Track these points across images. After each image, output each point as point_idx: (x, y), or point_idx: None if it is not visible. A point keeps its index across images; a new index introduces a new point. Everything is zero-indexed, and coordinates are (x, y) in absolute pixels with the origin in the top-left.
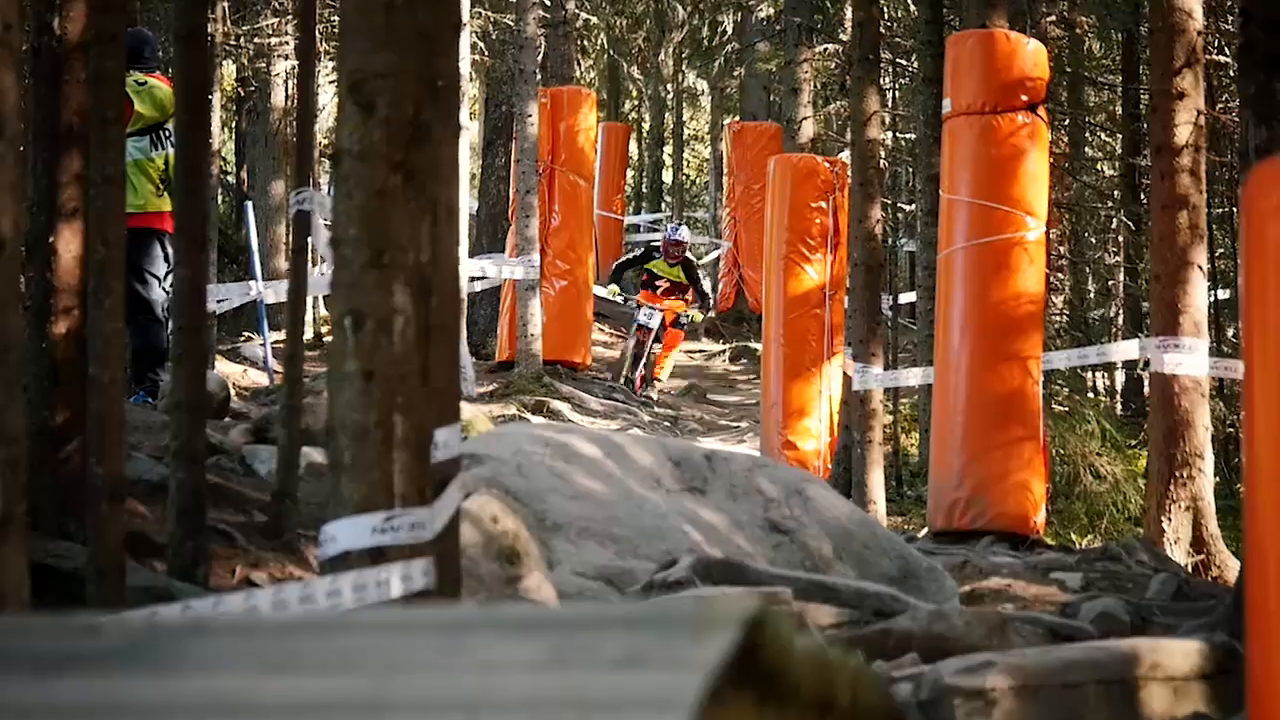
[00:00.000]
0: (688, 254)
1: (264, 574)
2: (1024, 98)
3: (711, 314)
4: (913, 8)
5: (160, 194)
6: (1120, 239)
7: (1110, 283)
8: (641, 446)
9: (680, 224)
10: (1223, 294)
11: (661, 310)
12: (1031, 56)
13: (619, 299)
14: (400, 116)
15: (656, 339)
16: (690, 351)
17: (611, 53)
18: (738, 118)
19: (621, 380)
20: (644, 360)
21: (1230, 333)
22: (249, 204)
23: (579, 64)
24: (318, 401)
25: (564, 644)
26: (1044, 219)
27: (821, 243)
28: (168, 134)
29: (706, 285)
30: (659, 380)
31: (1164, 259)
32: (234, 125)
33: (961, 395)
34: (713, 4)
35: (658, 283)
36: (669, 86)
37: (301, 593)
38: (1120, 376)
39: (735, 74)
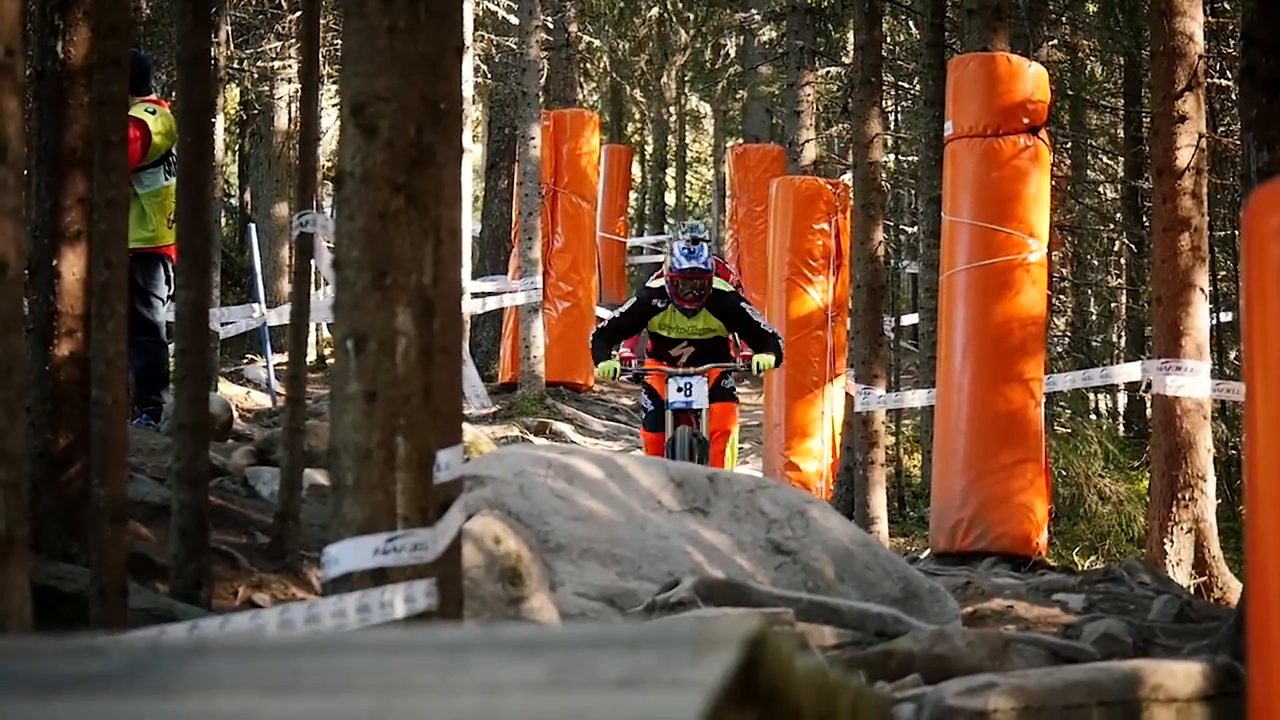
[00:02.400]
0: (717, 283)
1: (266, 595)
2: (1025, 120)
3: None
4: (914, 31)
5: (171, 225)
6: (1122, 261)
7: (1112, 305)
8: (643, 467)
9: (690, 232)
10: (1225, 316)
11: (698, 377)
12: (1033, 79)
13: (625, 374)
14: (402, 139)
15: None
16: None
17: (614, 75)
18: (740, 140)
19: None
20: (700, 463)
21: (1232, 355)
22: (252, 226)
23: (582, 87)
24: (320, 423)
25: (564, 664)
26: (1046, 241)
27: (824, 265)
28: (174, 161)
29: (766, 323)
30: None
31: (1166, 281)
32: (238, 148)
33: (964, 417)
34: (715, 27)
35: (674, 350)
36: (671, 109)
37: (307, 613)
38: (1123, 398)
39: (738, 96)
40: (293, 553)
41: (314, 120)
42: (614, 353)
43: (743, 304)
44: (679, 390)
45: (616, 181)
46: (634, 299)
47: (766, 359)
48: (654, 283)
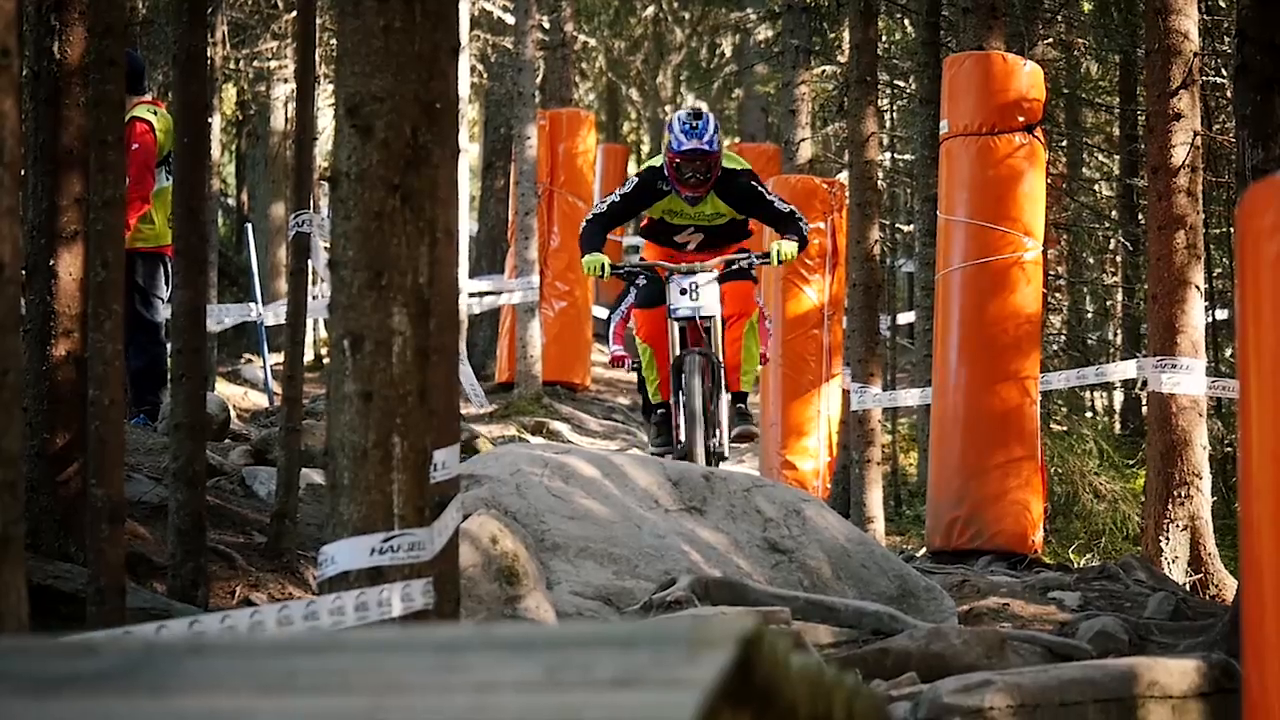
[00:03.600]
0: (727, 161)
1: (263, 595)
2: (1021, 119)
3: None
4: (910, 29)
5: (171, 225)
6: (1118, 259)
7: (1108, 303)
8: (640, 466)
9: (693, 110)
10: (1220, 314)
11: (706, 273)
12: (1028, 78)
13: (616, 271)
14: (398, 139)
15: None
16: None
17: (610, 75)
18: (736, 139)
19: (676, 447)
20: (715, 393)
21: (1228, 352)
22: (249, 226)
23: (578, 86)
24: (317, 423)
25: (559, 663)
26: (1041, 239)
27: (820, 263)
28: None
29: (782, 201)
30: (748, 406)
31: (1161, 279)
32: (234, 148)
33: (960, 415)
34: (711, 26)
35: (678, 237)
36: (668, 108)
37: (305, 611)
38: (1118, 396)
39: (734, 96)
40: (290, 552)
41: (310, 120)
42: (604, 247)
43: (755, 183)
44: (682, 292)
45: (613, 181)
46: (636, 178)
47: (788, 246)
48: (657, 160)
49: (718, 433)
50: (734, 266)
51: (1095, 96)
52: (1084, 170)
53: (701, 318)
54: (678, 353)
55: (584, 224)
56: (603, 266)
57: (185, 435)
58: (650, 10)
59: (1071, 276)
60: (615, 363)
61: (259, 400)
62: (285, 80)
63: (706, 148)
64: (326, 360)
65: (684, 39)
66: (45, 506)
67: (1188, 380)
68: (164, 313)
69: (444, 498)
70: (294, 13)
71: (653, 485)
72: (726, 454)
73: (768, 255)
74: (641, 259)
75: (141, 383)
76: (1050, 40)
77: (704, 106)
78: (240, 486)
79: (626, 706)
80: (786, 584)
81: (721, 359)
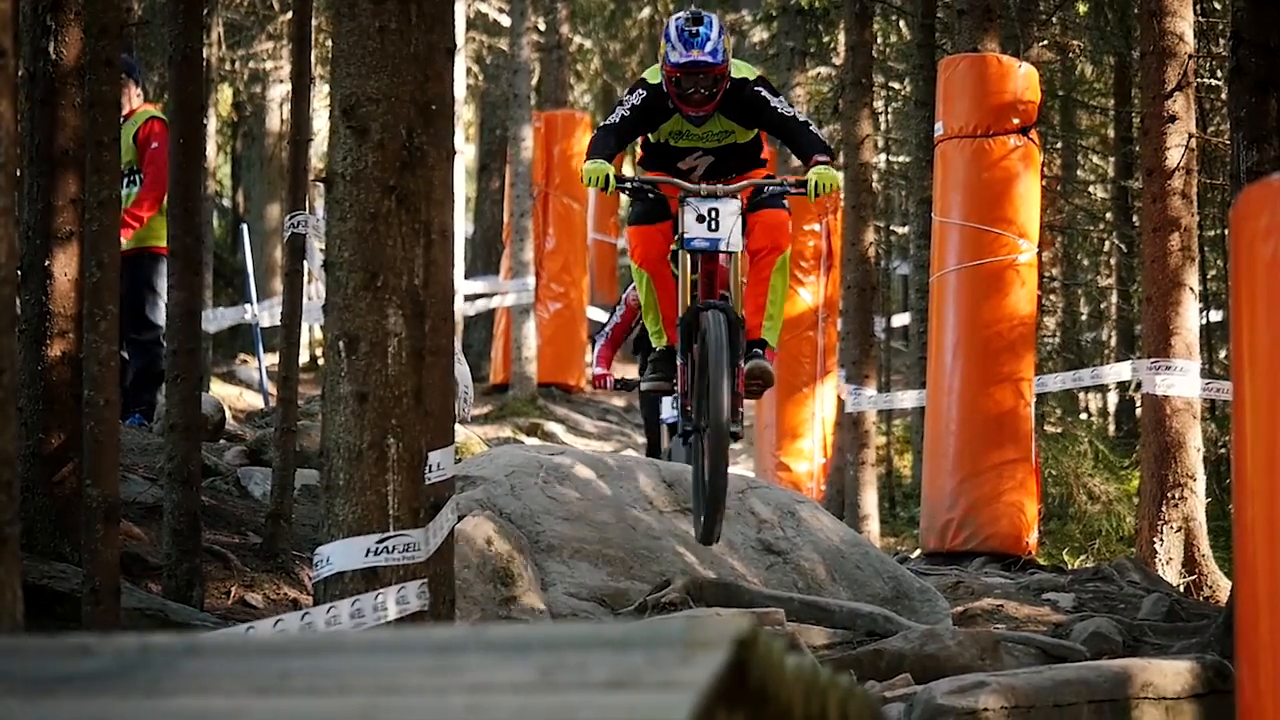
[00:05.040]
0: (736, 70)
1: (259, 595)
2: (1016, 121)
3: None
4: (905, 32)
5: None
6: (1112, 261)
7: (1102, 305)
8: (635, 468)
9: (692, 13)
10: (1215, 316)
11: (730, 199)
12: (1023, 80)
13: (622, 186)
14: (394, 140)
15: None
16: None
17: (605, 77)
18: None
19: (673, 415)
20: (734, 360)
21: (1222, 354)
22: (244, 227)
23: (573, 88)
24: (312, 424)
25: (554, 664)
26: (1036, 241)
27: (815, 265)
28: None
29: (801, 112)
30: (768, 363)
31: (1156, 281)
32: (230, 149)
33: (954, 417)
34: None
35: (683, 164)
36: None
37: (302, 621)
38: (1113, 398)
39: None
40: (285, 553)
41: (305, 121)
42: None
43: (763, 89)
44: (699, 219)
45: None
46: (641, 90)
47: (828, 174)
48: (655, 74)
49: (737, 412)
50: (764, 194)
51: (1090, 99)
52: (1079, 172)
53: (721, 253)
54: (689, 301)
55: (596, 130)
56: (607, 178)
57: (180, 436)
58: (646, 12)
59: (1066, 278)
60: (597, 384)
61: (254, 401)
62: (281, 81)
63: (710, 59)
64: (322, 361)
65: None
66: (40, 506)
67: (1182, 382)
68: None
69: (439, 499)
70: (290, 14)
71: (647, 487)
72: (741, 433)
73: (804, 184)
74: (650, 185)
75: (141, 382)
76: (1045, 42)
77: (710, 20)
78: (235, 487)
79: (621, 708)
80: (781, 585)
81: (740, 310)
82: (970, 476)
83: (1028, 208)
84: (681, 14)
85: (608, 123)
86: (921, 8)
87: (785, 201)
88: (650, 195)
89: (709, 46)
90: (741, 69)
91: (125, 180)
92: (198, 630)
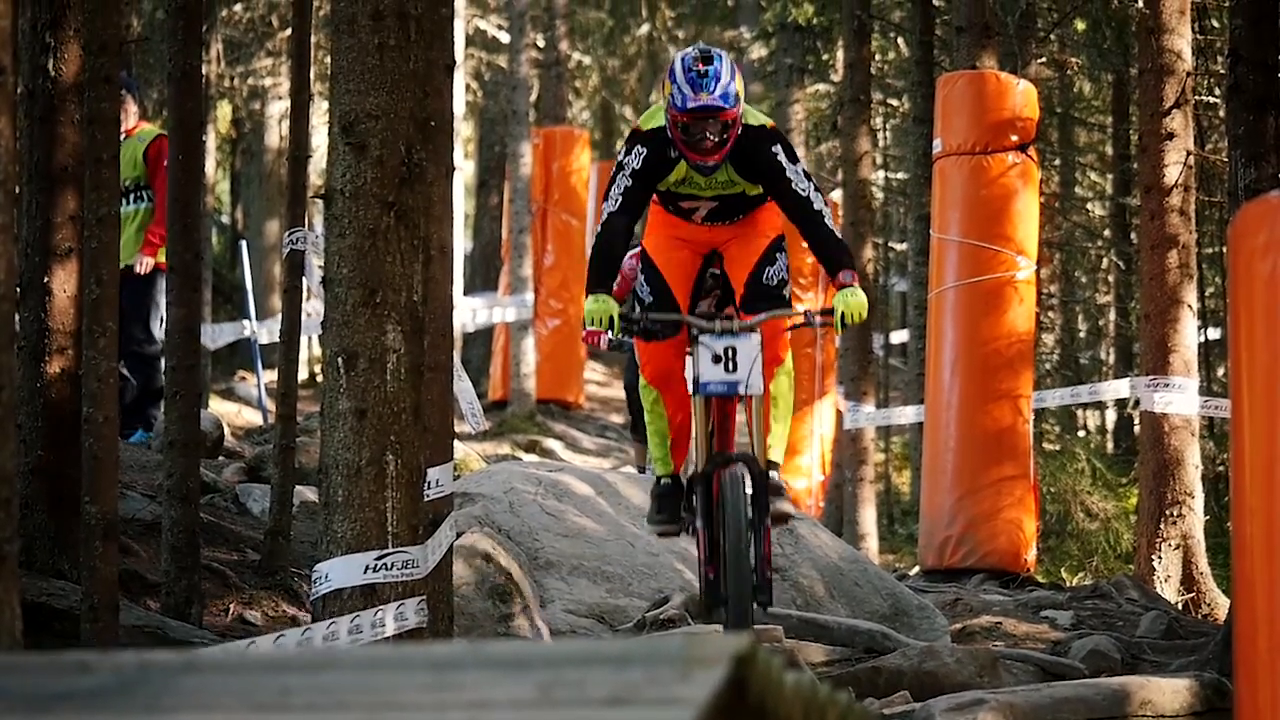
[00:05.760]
0: (748, 118)
1: (257, 612)
2: (1014, 138)
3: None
4: (903, 49)
5: None
6: (1110, 278)
7: (1101, 322)
8: (634, 484)
9: (701, 51)
10: (1213, 333)
11: (748, 335)
12: (1022, 97)
13: (628, 330)
14: (393, 156)
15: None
16: None
17: (604, 93)
18: None
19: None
20: (761, 520)
21: (1220, 372)
22: (243, 244)
23: (571, 104)
24: (311, 440)
25: (553, 681)
26: (1034, 258)
27: (814, 281)
28: None
29: (816, 193)
30: (780, 477)
31: (1154, 298)
32: (229, 166)
33: (953, 433)
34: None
35: (685, 204)
36: None
37: (300, 639)
38: (1111, 415)
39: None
40: (283, 570)
41: (304, 137)
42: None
43: (778, 150)
44: (714, 360)
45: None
46: (637, 150)
47: (858, 302)
48: (657, 118)
49: (766, 572)
50: (766, 271)
51: (1088, 116)
52: (1077, 189)
53: (740, 397)
54: (706, 453)
55: (597, 237)
56: (612, 320)
57: (179, 452)
58: (644, 29)
59: (1064, 295)
60: (589, 340)
61: (253, 417)
62: (280, 98)
63: (720, 103)
64: (320, 377)
65: None
66: (39, 523)
67: (1180, 399)
68: None
69: (438, 515)
70: (289, 31)
71: (646, 504)
72: (771, 600)
73: (830, 313)
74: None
75: (145, 398)
76: (1043, 59)
77: (721, 59)
78: (234, 504)
79: None
80: (779, 602)
81: (763, 457)
82: (969, 493)
83: (1026, 224)
84: (689, 51)
85: (608, 220)
86: (920, 25)
87: (785, 294)
88: (665, 332)
89: (719, 89)
90: (754, 115)
91: (132, 197)
92: (196, 648)
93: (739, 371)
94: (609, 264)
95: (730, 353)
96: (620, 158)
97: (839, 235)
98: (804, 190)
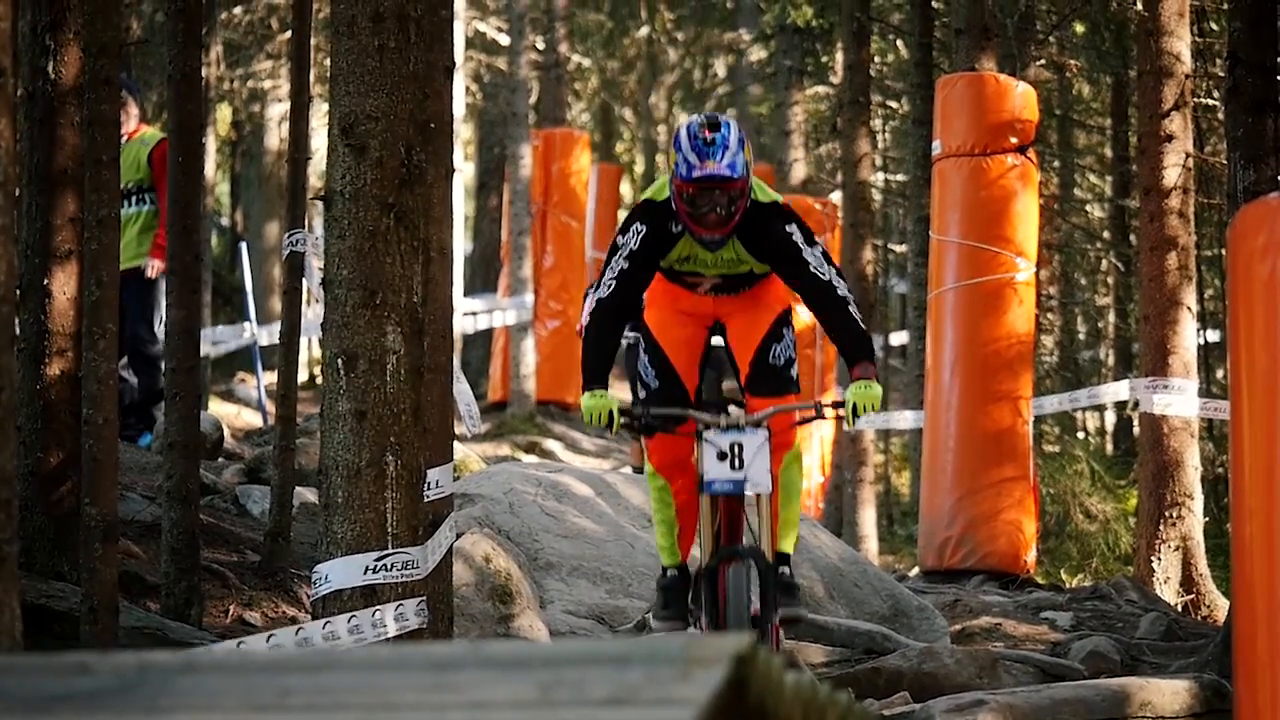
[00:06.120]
0: (758, 194)
1: (257, 613)
2: (1013, 140)
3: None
4: (903, 51)
5: None
6: (1110, 280)
7: (1100, 323)
8: (633, 485)
9: (708, 118)
10: (1212, 335)
11: (755, 430)
12: (1021, 99)
13: (628, 422)
14: (392, 158)
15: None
16: None
17: (604, 95)
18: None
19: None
20: (770, 615)
21: (1220, 373)
22: (243, 246)
23: (571, 107)
24: (311, 441)
25: (553, 681)
26: (1034, 260)
27: None
28: None
29: (838, 276)
30: (792, 572)
31: (1153, 300)
32: (229, 168)
33: (952, 435)
34: (704, 47)
35: (689, 278)
36: (661, 128)
37: (298, 638)
38: (1110, 416)
39: (727, 116)
40: (283, 571)
41: (304, 139)
42: (625, 343)
43: (791, 229)
44: (720, 457)
45: (606, 201)
46: (636, 228)
47: (872, 394)
48: (660, 190)
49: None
50: (773, 350)
51: (1087, 118)
52: (1076, 191)
53: (743, 491)
54: (711, 551)
55: (587, 329)
56: (610, 415)
57: (179, 454)
58: (644, 31)
59: (1064, 297)
60: (583, 333)
61: (253, 419)
62: (280, 100)
63: (727, 172)
64: (320, 379)
65: (677, 60)
66: (39, 525)
67: (1180, 401)
68: None
69: (438, 516)
70: (288, 33)
71: (646, 504)
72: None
73: (842, 405)
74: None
75: (151, 401)
76: (1042, 62)
77: (728, 124)
78: (234, 505)
79: None
80: None
81: (770, 549)
82: (968, 494)
83: (1025, 226)
84: (694, 118)
85: (598, 305)
86: (919, 27)
87: (793, 378)
88: (655, 376)
89: (726, 158)
90: (764, 191)
91: (134, 199)
92: (196, 649)
93: (745, 468)
94: (602, 357)
95: (736, 449)
96: (617, 235)
97: (863, 325)
98: (825, 275)
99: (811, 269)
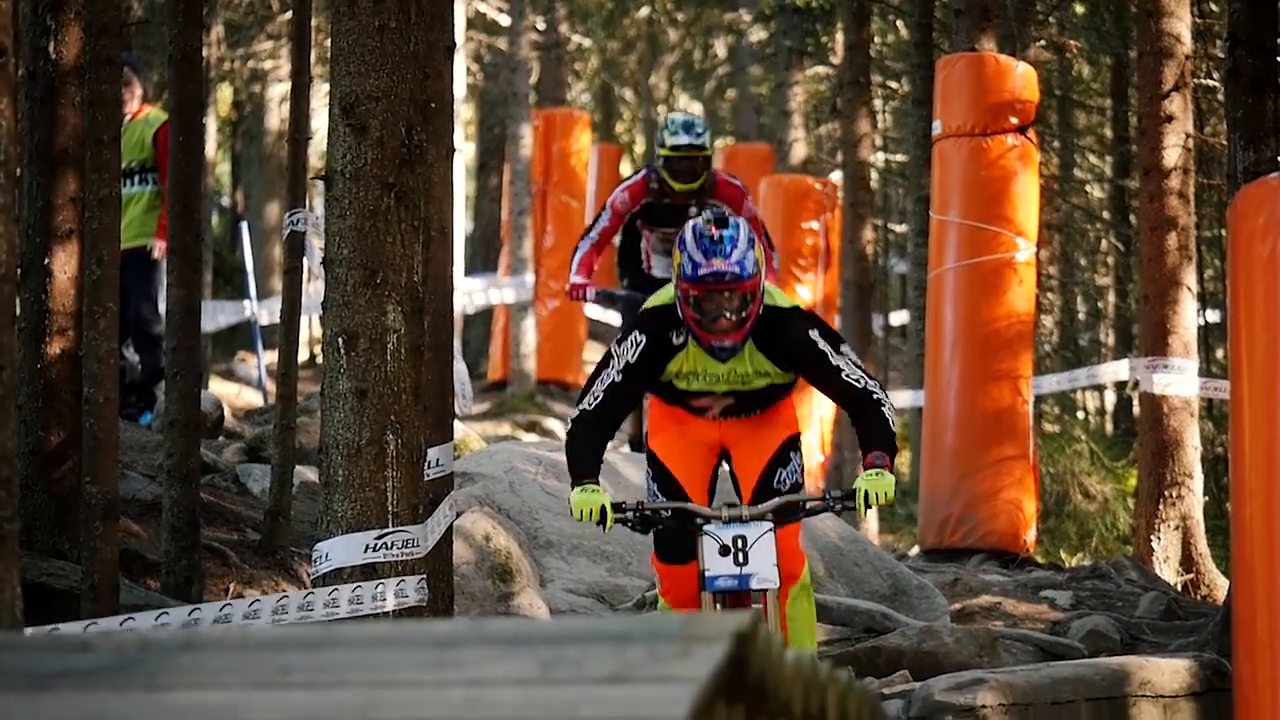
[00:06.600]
0: (771, 296)
1: (257, 591)
2: (1013, 120)
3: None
4: (903, 31)
5: None
6: (1110, 260)
7: (1100, 303)
8: (633, 465)
9: (715, 213)
10: (1212, 315)
11: (759, 523)
12: (1021, 79)
13: (623, 518)
14: (393, 138)
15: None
16: None
17: (604, 75)
18: (730, 140)
19: None
20: None
21: (1219, 353)
22: (244, 225)
23: (571, 87)
24: (311, 420)
25: (554, 659)
26: (1034, 240)
27: (813, 263)
28: None
29: (863, 374)
30: None
31: (1153, 280)
32: (229, 148)
33: (952, 414)
34: (705, 27)
35: (696, 402)
36: (661, 108)
37: (301, 601)
38: (1110, 396)
39: (727, 96)
40: (283, 549)
41: (304, 119)
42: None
43: (822, 343)
44: (723, 552)
45: (606, 181)
46: (635, 338)
47: (883, 483)
48: (664, 295)
49: None
50: (798, 513)
51: (1087, 98)
52: (1076, 171)
53: (753, 592)
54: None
55: (569, 434)
56: (603, 511)
57: (179, 433)
58: (644, 11)
59: (1064, 277)
60: (574, 294)
61: (253, 398)
62: (280, 80)
63: (736, 269)
64: (321, 358)
65: (678, 40)
66: (39, 504)
67: (1179, 381)
68: None
69: (438, 495)
70: (289, 13)
71: (645, 482)
72: None
73: (852, 495)
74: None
75: (150, 378)
76: (1042, 42)
77: (727, 209)
78: (234, 484)
79: (621, 702)
80: None
81: None
82: (968, 474)
83: (1026, 206)
84: (699, 217)
85: (581, 415)
86: (919, 7)
87: (798, 514)
88: (670, 524)
89: (736, 254)
90: (779, 296)
91: (137, 179)
92: (196, 627)
93: (750, 563)
94: (588, 457)
95: (739, 543)
96: (613, 343)
97: (894, 425)
98: (860, 382)
99: (845, 376)
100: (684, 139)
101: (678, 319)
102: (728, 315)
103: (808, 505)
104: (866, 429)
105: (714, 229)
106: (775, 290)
